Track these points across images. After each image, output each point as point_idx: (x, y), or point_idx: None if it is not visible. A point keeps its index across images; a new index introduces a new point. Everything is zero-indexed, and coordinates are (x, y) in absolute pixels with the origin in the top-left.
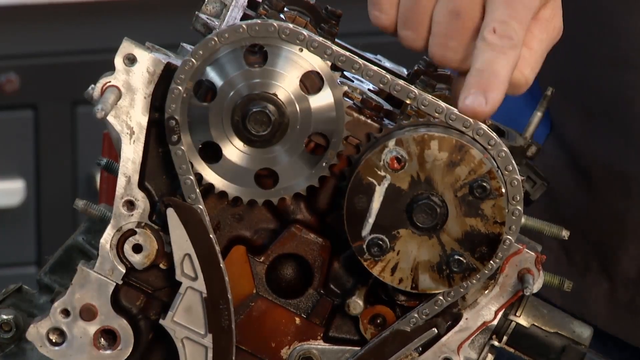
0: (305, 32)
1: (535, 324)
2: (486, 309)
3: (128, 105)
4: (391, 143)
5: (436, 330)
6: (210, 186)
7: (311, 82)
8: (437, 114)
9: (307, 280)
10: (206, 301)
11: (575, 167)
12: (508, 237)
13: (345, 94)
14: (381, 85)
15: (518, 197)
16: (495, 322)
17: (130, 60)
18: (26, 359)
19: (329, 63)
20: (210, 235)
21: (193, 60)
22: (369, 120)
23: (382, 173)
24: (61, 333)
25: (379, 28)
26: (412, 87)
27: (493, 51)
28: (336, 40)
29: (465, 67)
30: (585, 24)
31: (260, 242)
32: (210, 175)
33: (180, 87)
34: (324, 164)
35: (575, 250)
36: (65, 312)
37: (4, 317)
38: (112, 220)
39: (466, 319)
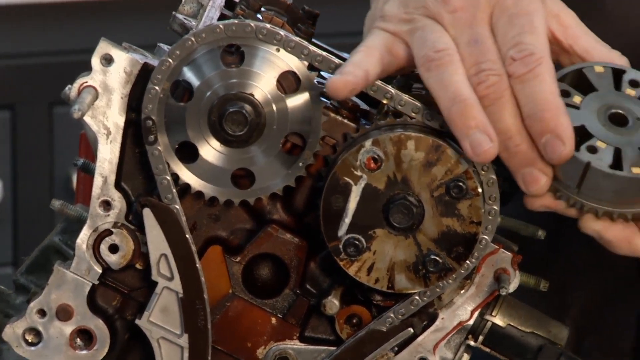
0: (282, 32)
1: (512, 323)
2: (462, 309)
3: (105, 105)
4: (368, 143)
5: (412, 330)
6: (187, 186)
7: (288, 82)
8: (413, 114)
9: (284, 281)
10: (182, 301)
11: None
12: (484, 236)
13: (322, 94)
14: None
15: (494, 197)
16: (471, 322)
17: (107, 60)
18: (2, 359)
19: (306, 63)
20: (187, 236)
21: (170, 60)
22: (345, 120)
23: (359, 173)
24: (37, 333)
25: None
26: (389, 87)
27: (526, 82)
28: (313, 40)
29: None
30: None
31: (236, 242)
32: (186, 176)
33: (157, 87)
34: (301, 164)
35: None
36: (42, 313)
37: None
38: (89, 221)
39: (442, 318)
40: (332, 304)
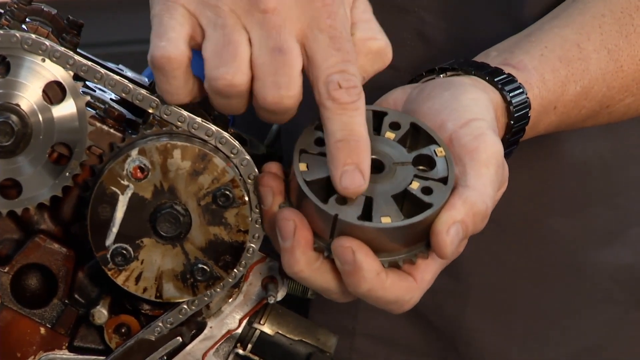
0: (47, 42)
1: (280, 331)
2: (230, 318)
3: None
4: (134, 152)
5: (181, 339)
6: None
7: (54, 92)
8: (179, 123)
9: (52, 290)
10: None
11: None
12: (252, 245)
13: (88, 104)
14: (123, 94)
15: None
16: (239, 331)
17: None
18: None
19: (72, 73)
20: None
21: None
22: (111, 130)
23: (126, 182)
24: None
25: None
26: (154, 96)
27: (347, 110)
28: (78, 50)
29: (297, 100)
30: None
31: (4, 252)
32: None
33: None
34: (68, 173)
35: None
36: None
37: None
38: None
39: (210, 327)
40: (101, 313)
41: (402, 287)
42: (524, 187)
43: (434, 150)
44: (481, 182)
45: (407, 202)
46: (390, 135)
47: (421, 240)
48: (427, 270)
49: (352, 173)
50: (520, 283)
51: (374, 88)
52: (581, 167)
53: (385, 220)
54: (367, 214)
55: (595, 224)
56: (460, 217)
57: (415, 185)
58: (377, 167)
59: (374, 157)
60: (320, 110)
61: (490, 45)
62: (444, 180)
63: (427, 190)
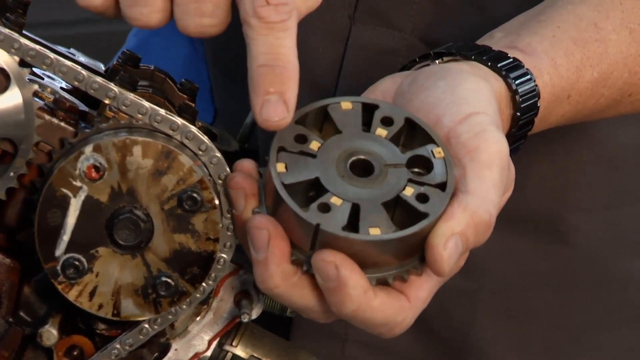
0: None
1: (255, 354)
2: (198, 338)
3: None
4: (88, 149)
5: None
6: None
7: None
8: (140, 116)
9: None
10: None
11: None
12: (223, 255)
13: (36, 94)
14: (76, 83)
15: None
16: (208, 353)
17: None
18: None
19: (17, 58)
20: None
21: None
22: (62, 124)
23: (78, 184)
24: None
25: (94, 11)
26: (112, 85)
27: (274, 31)
28: (24, 32)
29: (223, 28)
30: None
31: None
32: None
33: None
34: (12, 173)
35: None
36: None
37: None
38: None
39: (175, 349)
40: (50, 333)
41: (392, 307)
42: (543, 179)
43: (432, 151)
44: (483, 186)
45: (400, 211)
46: (381, 132)
47: (415, 253)
48: (422, 288)
49: (275, 103)
50: (539, 288)
51: (378, 52)
52: (611, 159)
53: (374, 232)
54: (353, 223)
55: (627, 226)
56: (459, 229)
57: (409, 192)
58: (366, 169)
59: (362, 157)
60: (244, 29)
61: (507, 14)
62: (441, 186)
63: (422, 198)
